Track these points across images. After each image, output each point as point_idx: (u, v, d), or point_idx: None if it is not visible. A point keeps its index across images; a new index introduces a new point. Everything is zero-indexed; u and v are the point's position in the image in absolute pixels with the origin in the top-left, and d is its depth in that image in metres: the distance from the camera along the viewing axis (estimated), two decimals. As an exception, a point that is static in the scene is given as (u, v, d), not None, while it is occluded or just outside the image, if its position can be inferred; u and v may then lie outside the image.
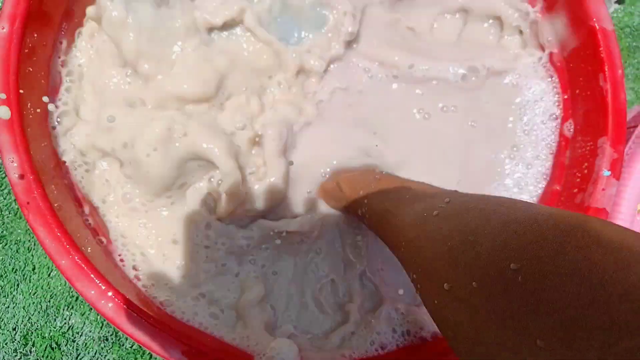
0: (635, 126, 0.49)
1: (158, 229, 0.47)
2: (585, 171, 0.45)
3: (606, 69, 0.45)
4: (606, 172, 0.44)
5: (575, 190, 0.46)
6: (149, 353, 0.56)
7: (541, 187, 0.50)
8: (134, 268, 0.45)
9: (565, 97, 0.50)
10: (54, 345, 0.55)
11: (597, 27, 0.45)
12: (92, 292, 0.38)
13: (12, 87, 0.40)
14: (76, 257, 0.39)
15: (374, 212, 0.39)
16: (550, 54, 0.51)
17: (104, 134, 0.44)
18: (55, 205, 0.39)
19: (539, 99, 0.51)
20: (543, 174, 0.50)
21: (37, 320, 0.56)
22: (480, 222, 0.26)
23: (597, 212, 0.43)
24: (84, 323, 0.56)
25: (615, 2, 0.72)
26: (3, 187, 0.56)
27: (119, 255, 0.45)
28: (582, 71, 0.48)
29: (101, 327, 0.57)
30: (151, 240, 0.46)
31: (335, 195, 0.47)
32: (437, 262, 0.27)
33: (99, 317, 0.57)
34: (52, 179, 0.41)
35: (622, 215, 0.46)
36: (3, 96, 0.39)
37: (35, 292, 0.56)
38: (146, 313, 0.39)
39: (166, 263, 0.46)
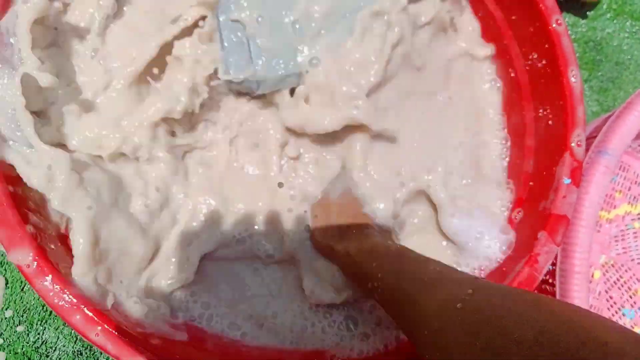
0: (595, 136, 0.51)
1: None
2: (547, 180, 0.47)
3: (565, 84, 0.47)
4: (566, 180, 0.45)
5: (539, 198, 0.48)
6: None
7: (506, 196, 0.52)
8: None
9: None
10: (27, 360, 0.55)
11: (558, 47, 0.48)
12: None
13: None
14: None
15: (389, 291, 0.38)
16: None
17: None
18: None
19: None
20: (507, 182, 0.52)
21: (10, 336, 0.55)
22: (510, 327, 0.26)
23: (559, 219, 0.45)
24: (58, 337, 0.56)
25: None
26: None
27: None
28: (545, 87, 0.50)
29: (75, 342, 0.57)
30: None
31: (343, 261, 0.46)
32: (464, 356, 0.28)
33: (72, 331, 0.57)
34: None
35: (584, 222, 0.48)
36: None
37: (8, 307, 0.56)
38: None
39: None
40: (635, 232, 0.78)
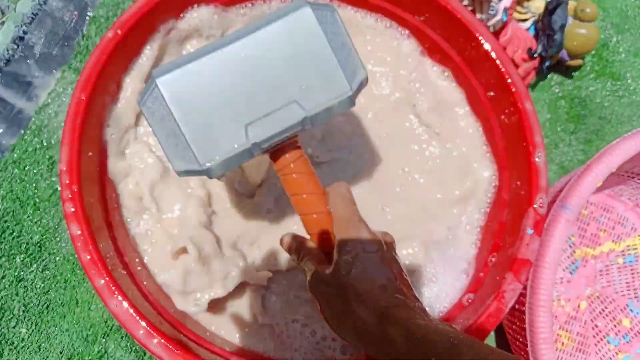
0: (562, 190, 0.62)
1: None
2: (516, 229, 0.58)
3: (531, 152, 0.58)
4: (530, 231, 0.56)
5: (509, 245, 0.58)
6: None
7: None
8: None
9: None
10: (91, 367, 0.68)
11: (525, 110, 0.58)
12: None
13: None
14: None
15: None
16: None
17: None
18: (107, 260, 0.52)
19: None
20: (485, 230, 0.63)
21: (79, 346, 0.68)
22: None
23: (523, 263, 0.55)
24: (117, 349, 0.69)
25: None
26: (58, 240, 0.70)
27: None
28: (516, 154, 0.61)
29: (130, 353, 0.69)
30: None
31: (386, 351, 0.35)
32: None
33: (128, 344, 0.69)
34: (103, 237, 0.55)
35: (547, 265, 0.58)
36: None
37: (78, 323, 0.69)
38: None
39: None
40: (619, 268, 0.87)
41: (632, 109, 0.85)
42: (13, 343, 0.67)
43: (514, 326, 0.69)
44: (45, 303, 0.68)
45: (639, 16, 0.89)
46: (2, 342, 0.67)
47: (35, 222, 0.71)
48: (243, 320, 0.62)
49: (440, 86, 0.67)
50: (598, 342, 0.85)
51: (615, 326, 0.86)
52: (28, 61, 0.75)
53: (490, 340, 0.77)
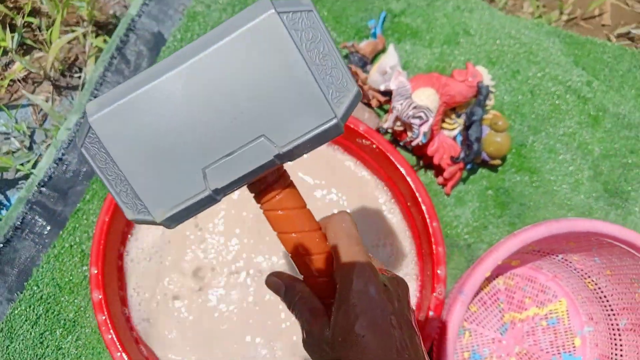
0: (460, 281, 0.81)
1: None
2: (422, 311, 0.77)
3: (435, 263, 0.78)
4: (431, 312, 0.75)
5: (417, 321, 0.78)
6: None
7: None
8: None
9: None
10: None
11: (433, 228, 0.79)
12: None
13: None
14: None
15: None
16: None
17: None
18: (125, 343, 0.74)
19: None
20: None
21: (103, 399, 0.89)
22: None
23: (426, 337, 0.75)
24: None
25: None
26: (87, 316, 0.92)
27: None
28: (426, 260, 0.81)
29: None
30: None
31: None
32: None
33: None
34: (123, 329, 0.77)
35: (450, 337, 0.77)
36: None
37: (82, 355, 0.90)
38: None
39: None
40: (543, 329, 1.04)
41: (547, 196, 1.05)
42: (54, 398, 0.88)
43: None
44: (78, 366, 0.90)
45: (552, 118, 1.09)
46: (46, 397, 0.88)
47: (70, 303, 0.93)
48: None
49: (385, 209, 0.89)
50: (529, 389, 1.02)
51: (542, 377, 1.03)
52: (66, 176, 0.99)
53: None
